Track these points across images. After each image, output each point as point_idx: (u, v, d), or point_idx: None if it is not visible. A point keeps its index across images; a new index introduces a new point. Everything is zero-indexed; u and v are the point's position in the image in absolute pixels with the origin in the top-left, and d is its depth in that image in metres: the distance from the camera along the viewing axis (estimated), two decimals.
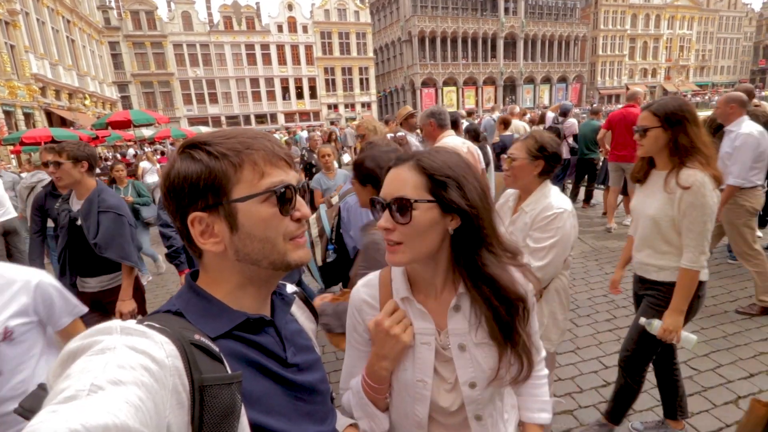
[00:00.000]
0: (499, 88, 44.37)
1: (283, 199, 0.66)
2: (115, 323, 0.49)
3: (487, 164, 5.10)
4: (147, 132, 16.23)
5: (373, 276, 1.00)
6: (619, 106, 6.89)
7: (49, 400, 0.39)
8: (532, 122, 8.49)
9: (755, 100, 4.72)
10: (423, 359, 0.90)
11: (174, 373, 0.48)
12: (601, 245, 5.26)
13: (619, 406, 2.14)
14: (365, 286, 0.99)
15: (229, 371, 0.57)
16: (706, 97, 41.37)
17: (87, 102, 22.55)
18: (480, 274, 0.85)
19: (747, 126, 3.31)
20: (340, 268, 2.39)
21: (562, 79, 47.09)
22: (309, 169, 6.52)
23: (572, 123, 7.07)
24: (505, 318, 0.85)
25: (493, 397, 0.92)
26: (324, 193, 4.05)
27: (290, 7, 36.97)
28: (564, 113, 7.40)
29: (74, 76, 21.77)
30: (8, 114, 15.67)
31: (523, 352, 0.87)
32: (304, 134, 16.38)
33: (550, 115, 7.74)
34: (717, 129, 3.93)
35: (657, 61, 52.36)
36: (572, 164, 7.06)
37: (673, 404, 2.13)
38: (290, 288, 0.84)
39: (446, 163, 0.83)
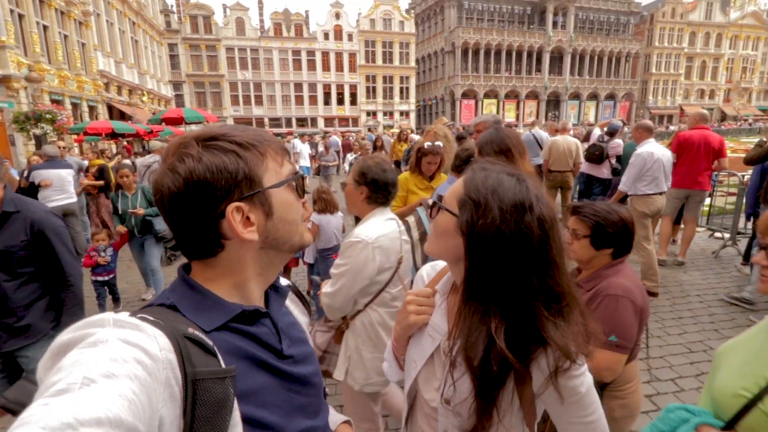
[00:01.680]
0: (542, 103, 43.36)
1: (300, 185, 0.73)
2: (108, 315, 0.48)
3: None
4: (195, 129, 17.07)
5: (442, 263, 1.08)
6: (673, 127, 6.54)
7: (41, 393, 0.38)
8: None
9: None
10: (423, 347, 0.96)
11: (167, 367, 0.47)
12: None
13: None
14: (431, 267, 1.09)
15: (223, 365, 0.56)
16: None
17: (144, 98, 24.10)
18: (465, 319, 0.81)
19: (644, 147, 4.29)
20: None
21: (610, 97, 45.38)
22: None
23: (618, 143, 6.78)
24: (474, 381, 0.79)
25: (460, 425, 0.86)
26: None
27: (338, 15, 38.00)
28: (611, 133, 7.13)
29: (135, 73, 23.36)
30: (75, 106, 17.00)
31: (483, 415, 0.80)
32: (336, 139, 16.65)
33: (596, 132, 7.47)
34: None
35: (716, 81, 49.37)
36: (614, 185, 6.81)
37: None
38: (284, 281, 0.85)
39: (481, 184, 0.80)
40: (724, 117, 47.06)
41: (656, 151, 4.27)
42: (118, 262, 4.51)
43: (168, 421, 0.46)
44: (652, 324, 3.67)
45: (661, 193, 4.33)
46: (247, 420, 0.60)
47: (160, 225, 4.15)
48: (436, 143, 5.27)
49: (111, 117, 18.87)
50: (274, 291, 0.79)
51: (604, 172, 6.24)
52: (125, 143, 13.58)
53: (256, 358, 0.66)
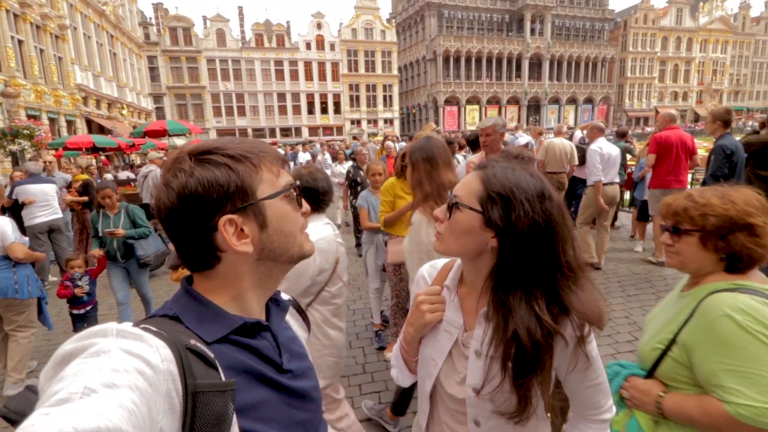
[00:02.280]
0: (523, 108, 44.24)
1: (297, 195, 0.72)
2: (111, 326, 0.48)
3: None
4: (179, 141, 16.88)
5: (442, 261, 1.10)
6: (649, 129, 6.72)
7: (42, 403, 0.38)
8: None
9: None
10: (441, 343, 0.97)
11: (168, 378, 0.47)
12: (626, 269, 5.15)
13: (400, 400, 2.45)
14: (431, 267, 1.10)
15: (223, 378, 0.56)
16: (741, 122, 40.05)
17: (124, 112, 23.72)
18: (503, 306, 0.84)
19: (595, 144, 5.09)
20: None
21: (589, 100, 46.58)
22: (354, 186, 6.01)
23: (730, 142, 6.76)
24: (508, 364, 0.84)
25: (492, 410, 0.91)
26: (370, 212, 3.75)
27: (319, 25, 38.20)
28: (622, 134, 7.27)
29: (114, 87, 23.00)
30: (52, 121, 16.63)
31: (524, 398, 0.84)
32: (318, 148, 16.47)
33: (578, 134, 7.66)
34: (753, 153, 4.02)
35: (688, 84, 51.23)
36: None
37: (399, 403, 2.45)
38: (285, 295, 0.85)
39: (508, 181, 0.83)
40: (697, 118, 48.72)
41: (605, 147, 5.03)
42: (99, 285, 4.06)
43: None
44: (639, 317, 3.76)
45: (612, 184, 5.09)
46: None
47: (142, 250, 3.77)
48: None
49: (90, 131, 18.51)
50: (275, 304, 0.78)
51: (586, 172, 6.38)
52: (103, 158, 13.32)
53: (256, 371, 0.66)
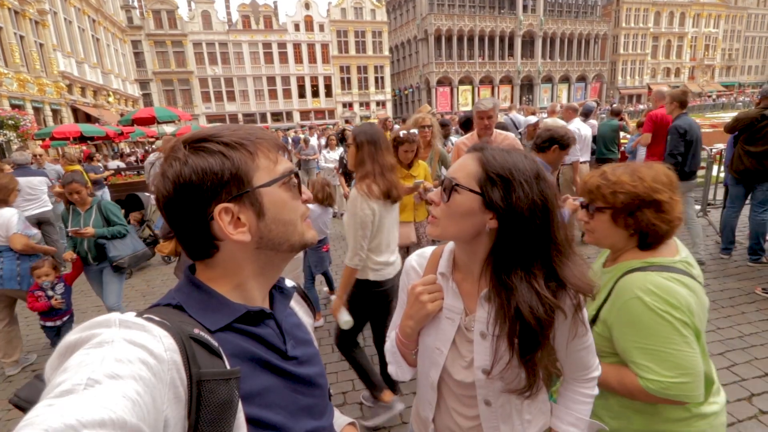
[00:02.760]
0: (515, 87, 43.90)
1: (295, 182, 0.71)
2: (114, 316, 0.48)
3: None
4: (168, 129, 16.63)
5: (428, 249, 1.10)
6: (642, 106, 6.73)
7: (46, 394, 0.39)
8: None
9: None
10: (444, 331, 0.98)
11: (172, 367, 0.48)
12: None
13: (366, 381, 2.45)
14: (418, 256, 1.10)
15: (228, 366, 0.56)
16: (733, 98, 40.14)
17: (111, 99, 23.22)
18: (505, 287, 0.86)
19: (571, 125, 5.23)
20: None
21: (581, 78, 46.30)
22: (349, 174, 5.76)
23: (593, 124, 6.84)
24: (526, 336, 0.85)
25: (500, 388, 0.94)
26: None
27: (307, 5, 37.27)
28: (586, 113, 7.27)
29: (99, 73, 22.43)
30: (37, 110, 16.26)
31: (530, 373, 0.87)
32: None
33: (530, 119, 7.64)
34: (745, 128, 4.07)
35: (681, 60, 50.99)
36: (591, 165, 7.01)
37: (367, 380, 2.43)
38: (289, 282, 0.85)
39: (507, 163, 0.85)
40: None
41: (582, 128, 5.37)
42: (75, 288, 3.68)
43: (173, 422, 0.46)
44: None
45: (585, 162, 5.41)
46: (252, 421, 0.59)
47: (116, 250, 3.29)
48: (412, 131, 5.31)
49: (76, 120, 18.13)
50: (278, 292, 0.79)
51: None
52: (83, 148, 13.01)
53: (261, 359, 0.66)
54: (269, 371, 0.67)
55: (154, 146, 7.27)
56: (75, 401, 0.36)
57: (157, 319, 0.52)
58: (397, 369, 1.10)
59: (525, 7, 42.38)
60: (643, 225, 1.11)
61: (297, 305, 0.87)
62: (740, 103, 33.09)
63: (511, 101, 41.22)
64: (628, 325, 1.08)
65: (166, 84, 35.21)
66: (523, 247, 0.84)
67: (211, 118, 34.67)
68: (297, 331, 0.79)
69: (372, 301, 2.29)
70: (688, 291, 1.07)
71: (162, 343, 0.48)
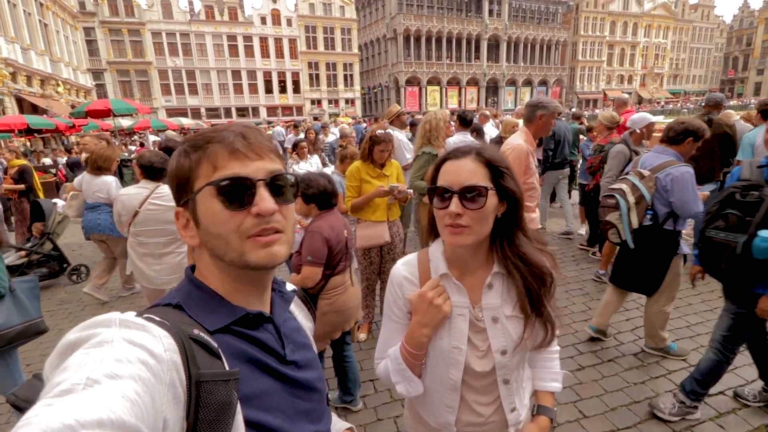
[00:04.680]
0: (482, 89, 44.96)
1: (229, 192, 0.62)
2: (114, 315, 0.48)
3: None
4: (125, 122, 15.80)
5: (412, 257, 1.11)
6: (598, 110, 7.10)
7: (45, 393, 0.38)
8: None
9: (727, 111, 5.03)
10: (458, 329, 1.01)
11: (171, 368, 0.47)
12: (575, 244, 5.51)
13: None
14: (405, 265, 1.10)
15: (227, 367, 0.56)
16: (679, 105, 43.07)
17: (60, 89, 21.70)
18: (516, 252, 0.98)
19: (511, 139, 5.55)
20: (651, 231, 2.68)
21: (543, 83, 48.09)
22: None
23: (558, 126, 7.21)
24: (535, 291, 0.98)
25: (519, 363, 1.05)
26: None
27: None
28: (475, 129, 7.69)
29: (47, 61, 20.90)
30: None
31: (547, 321, 1.01)
32: (280, 129, 15.61)
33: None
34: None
35: (633, 68, 54.09)
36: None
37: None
38: (289, 286, 0.85)
39: (501, 156, 0.98)
40: (640, 100, 51.71)
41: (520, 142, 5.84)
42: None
43: (171, 423, 0.46)
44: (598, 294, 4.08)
45: None
46: (250, 423, 0.59)
47: None
48: (387, 131, 5.33)
49: (21, 111, 16.84)
50: (278, 296, 0.78)
51: (540, 153, 6.70)
52: (12, 144, 12.06)
53: (260, 361, 0.66)
54: (268, 374, 0.67)
55: (165, 134, 6.54)
56: (74, 401, 0.36)
57: (157, 318, 0.52)
58: (407, 386, 1.06)
59: (491, 12, 43.46)
60: None
61: (297, 309, 0.87)
62: (685, 110, 35.54)
63: (478, 103, 42.24)
64: None
65: (122, 75, 33.33)
66: (515, 219, 0.98)
67: (171, 112, 33.15)
68: (296, 335, 0.78)
69: None
70: None
71: (162, 343, 0.48)
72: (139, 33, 33.00)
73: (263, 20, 36.34)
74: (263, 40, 36.62)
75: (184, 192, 0.66)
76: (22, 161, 6.46)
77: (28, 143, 13.20)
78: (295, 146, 4.61)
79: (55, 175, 9.95)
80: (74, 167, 9.26)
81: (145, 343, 0.46)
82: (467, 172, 0.93)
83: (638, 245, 2.73)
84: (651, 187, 2.60)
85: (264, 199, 0.63)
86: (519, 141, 2.96)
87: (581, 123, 7.75)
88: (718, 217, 2.08)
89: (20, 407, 0.46)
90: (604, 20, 50.04)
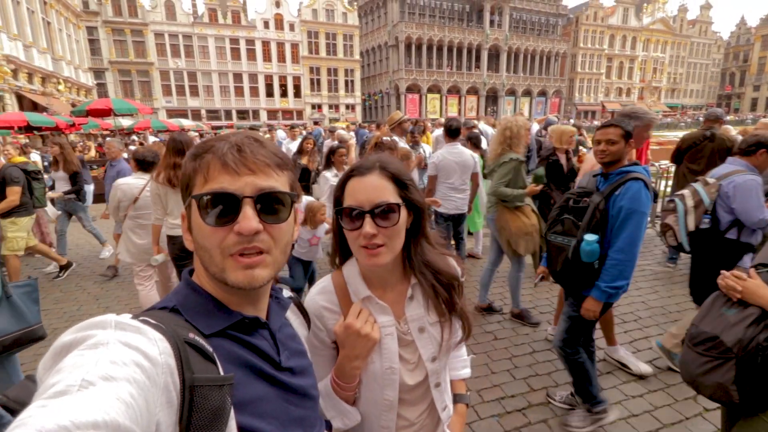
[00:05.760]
0: (481, 98, 45.28)
1: (211, 208, 0.61)
2: (110, 317, 0.48)
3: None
4: (126, 122, 15.78)
5: (326, 282, 1.03)
6: (597, 122, 7.14)
7: (39, 394, 0.38)
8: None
9: (726, 126, 5.05)
10: (389, 349, 0.97)
11: (166, 371, 0.47)
12: None
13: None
14: (321, 293, 1.01)
15: (222, 372, 0.56)
16: (677, 118, 43.52)
17: (61, 87, 21.68)
18: (422, 261, 0.99)
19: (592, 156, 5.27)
20: (710, 237, 2.67)
21: (542, 93, 48.50)
22: None
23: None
24: (444, 295, 0.99)
25: (445, 364, 1.07)
26: None
27: (278, 4, 36.67)
28: (548, 127, 7.68)
29: (48, 59, 20.90)
30: None
31: (463, 319, 1.03)
32: (281, 133, 15.14)
33: (535, 127, 8.04)
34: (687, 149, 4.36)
35: (631, 81, 54.70)
36: None
37: None
38: (286, 293, 0.85)
39: (403, 168, 0.96)
40: None
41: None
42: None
43: (164, 427, 0.46)
44: None
45: None
46: (243, 429, 0.59)
47: None
48: (394, 138, 5.36)
49: (22, 108, 16.80)
50: (275, 302, 0.78)
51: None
52: (11, 140, 11.97)
53: (255, 367, 0.65)
54: (262, 380, 0.66)
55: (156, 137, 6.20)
56: (69, 402, 0.36)
57: (152, 321, 0.52)
58: (344, 419, 0.99)
59: (492, 22, 43.92)
60: None
61: (293, 316, 0.87)
62: (683, 124, 35.87)
63: (477, 112, 42.53)
64: None
65: (124, 74, 33.36)
66: (419, 227, 0.99)
67: (172, 113, 33.16)
68: (291, 342, 0.78)
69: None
70: None
71: (157, 346, 0.48)
72: (141, 33, 33.11)
73: (266, 24, 36.56)
74: (266, 44, 36.80)
75: (186, 196, 0.67)
76: (23, 159, 6.42)
77: (28, 140, 13.15)
78: (333, 153, 4.13)
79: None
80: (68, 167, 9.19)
81: (140, 345, 0.46)
82: (375, 189, 0.89)
83: (697, 251, 2.75)
84: (713, 193, 2.62)
85: (246, 218, 0.61)
86: None
87: (580, 134, 7.82)
88: (557, 222, 2.21)
89: (12, 409, 0.46)
90: (603, 33, 50.66)
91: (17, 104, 17.27)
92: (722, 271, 1.46)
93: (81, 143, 16.13)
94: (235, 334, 0.65)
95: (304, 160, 5.65)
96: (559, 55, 48.31)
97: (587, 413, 2.41)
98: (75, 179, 5.32)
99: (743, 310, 1.35)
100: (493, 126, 9.01)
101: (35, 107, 17.26)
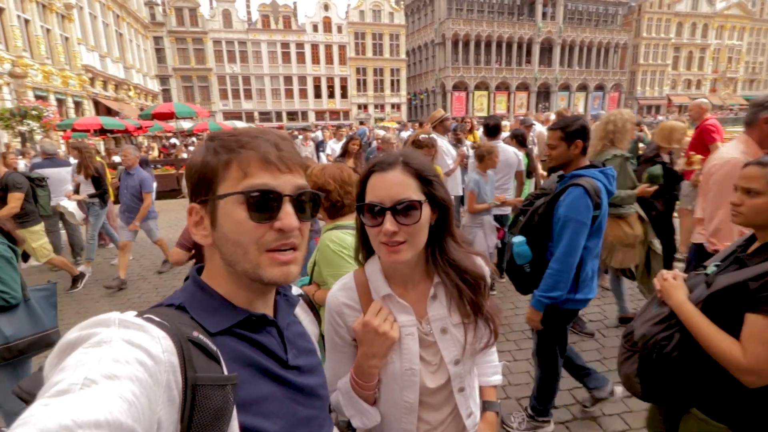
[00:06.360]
0: (532, 94, 43.53)
1: (257, 204, 0.62)
2: (114, 315, 0.48)
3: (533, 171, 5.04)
4: (186, 124, 16.87)
5: (348, 279, 1.03)
6: (661, 117, 6.57)
7: (43, 393, 0.39)
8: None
9: None
10: (409, 349, 0.95)
11: (168, 369, 0.47)
12: None
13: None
14: (342, 290, 1.01)
15: (225, 371, 0.56)
16: None
17: (131, 93, 23.65)
18: (447, 260, 0.96)
19: (724, 150, 3.88)
20: None
21: (600, 87, 45.72)
22: None
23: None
24: (469, 296, 0.96)
25: (470, 368, 1.04)
26: (480, 194, 3.66)
27: (326, 7, 37.55)
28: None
29: (121, 68, 22.89)
30: (60, 102, 16.63)
31: (490, 322, 0.99)
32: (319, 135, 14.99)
33: (538, 127, 7.51)
34: None
35: (702, 72, 49.98)
36: None
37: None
38: (295, 290, 0.84)
39: (428, 164, 0.93)
40: (711, 107, 47.77)
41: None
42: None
43: (165, 425, 0.46)
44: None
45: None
46: (247, 430, 0.58)
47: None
48: (431, 135, 5.28)
49: (97, 113, 18.51)
50: (283, 299, 0.77)
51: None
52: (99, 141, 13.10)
53: (261, 366, 0.65)
54: (268, 379, 0.66)
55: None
56: (71, 401, 0.36)
57: (156, 319, 0.52)
58: (362, 418, 0.99)
59: (544, 15, 42.04)
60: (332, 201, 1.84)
61: (303, 313, 0.86)
62: None
63: (527, 108, 40.95)
64: (324, 262, 1.76)
65: (185, 80, 35.78)
66: (445, 225, 0.96)
67: (227, 116, 35.07)
68: (300, 340, 0.77)
69: None
70: (354, 239, 1.65)
71: (160, 344, 0.48)
72: (201, 41, 35.30)
73: (315, 28, 37.56)
74: (314, 46, 37.83)
75: (204, 190, 0.65)
76: (99, 159, 7.04)
77: (102, 142, 14.48)
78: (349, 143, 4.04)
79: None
80: (143, 164, 9.93)
81: (143, 343, 0.46)
82: (397, 185, 0.88)
83: None
84: None
85: (288, 215, 0.64)
86: (734, 153, 2.24)
87: (641, 130, 7.26)
88: (513, 223, 2.27)
89: (25, 400, 0.47)
90: (669, 21, 46.74)
91: (94, 109, 19.06)
92: (661, 271, 1.49)
93: (146, 144, 17.47)
94: (241, 332, 0.65)
95: (349, 163, 5.18)
96: (618, 47, 45.28)
97: (530, 419, 2.37)
98: (98, 183, 5.27)
99: (661, 308, 1.38)
100: (544, 123, 8.60)
101: (109, 112, 18.94)
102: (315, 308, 0.90)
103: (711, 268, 1.35)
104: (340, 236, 1.73)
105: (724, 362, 1.15)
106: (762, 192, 1.25)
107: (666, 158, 3.64)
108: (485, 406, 1.12)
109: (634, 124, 3.38)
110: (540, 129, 7.00)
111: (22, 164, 6.45)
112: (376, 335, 0.91)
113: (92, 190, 5.27)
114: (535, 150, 5.90)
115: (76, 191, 5.40)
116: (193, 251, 2.69)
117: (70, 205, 5.08)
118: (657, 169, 3.42)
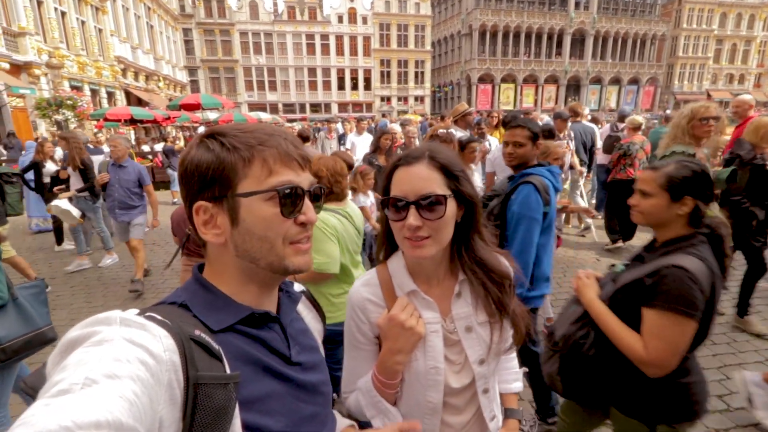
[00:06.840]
0: (561, 87, 42.15)
1: (287, 200, 0.64)
2: (115, 314, 0.48)
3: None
4: (212, 115, 17.20)
5: (371, 275, 1.01)
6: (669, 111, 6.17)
7: (44, 392, 0.39)
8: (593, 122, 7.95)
9: None
10: (434, 347, 0.93)
11: (170, 368, 0.47)
12: None
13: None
14: (365, 285, 0.99)
15: (228, 370, 0.55)
16: None
17: (161, 84, 24.28)
18: (474, 258, 0.94)
19: None
20: None
21: (634, 81, 43.84)
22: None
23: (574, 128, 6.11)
24: (496, 295, 0.94)
25: (494, 370, 1.01)
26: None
27: None
28: (622, 119, 6.83)
29: (151, 59, 23.51)
30: (94, 92, 17.24)
31: (515, 324, 0.97)
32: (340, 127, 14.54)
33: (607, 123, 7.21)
34: None
35: (746, 66, 47.09)
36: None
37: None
38: (297, 287, 0.84)
39: (454, 159, 0.91)
40: (755, 103, 45.07)
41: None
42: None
43: (167, 424, 0.46)
44: None
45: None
46: (250, 427, 0.58)
47: None
48: (450, 130, 5.14)
49: (129, 103, 19.10)
50: (285, 295, 0.77)
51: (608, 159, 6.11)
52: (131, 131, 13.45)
53: (263, 363, 0.65)
54: (271, 376, 0.66)
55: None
56: (71, 401, 0.36)
57: (158, 318, 0.52)
58: (383, 419, 0.95)
59: (577, 4, 40.49)
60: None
61: (305, 310, 0.85)
62: None
63: (556, 102, 39.70)
64: None
65: (213, 71, 36.47)
66: (472, 222, 0.93)
67: (252, 107, 35.58)
68: (303, 336, 0.77)
69: None
70: (337, 221, 2.03)
71: (161, 343, 0.48)
72: (228, 33, 35.85)
73: (340, 19, 37.49)
74: (339, 38, 37.80)
75: (216, 186, 0.63)
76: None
77: (133, 132, 14.93)
78: (464, 147, 3.52)
79: (151, 160, 11.13)
80: (169, 154, 10.21)
81: (144, 342, 0.46)
82: (422, 179, 0.86)
83: None
84: None
85: (310, 209, 0.68)
86: None
87: None
88: None
89: (30, 395, 0.47)
90: (712, 12, 44.15)
91: (125, 99, 19.68)
92: (578, 270, 1.51)
93: (173, 135, 17.93)
94: (244, 329, 0.65)
95: (381, 160, 4.78)
96: (656, 38, 43.19)
97: (541, 422, 2.32)
98: (85, 176, 4.89)
99: (578, 307, 1.41)
100: (577, 116, 8.25)
101: (139, 102, 19.51)
102: (317, 304, 0.89)
103: (619, 266, 1.44)
104: (325, 216, 1.96)
105: (629, 356, 1.24)
106: (652, 194, 1.35)
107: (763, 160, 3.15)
108: (507, 413, 1.10)
109: (707, 118, 2.91)
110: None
111: (59, 152, 6.61)
112: (402, 330, 0.89)
113: (81, 184, 4.93)
114: (572, 144, 5.70)
115: (67, 187, 5.07)
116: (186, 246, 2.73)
117: (63, 203, 4.60)
118: (724, 173, 3.00)
